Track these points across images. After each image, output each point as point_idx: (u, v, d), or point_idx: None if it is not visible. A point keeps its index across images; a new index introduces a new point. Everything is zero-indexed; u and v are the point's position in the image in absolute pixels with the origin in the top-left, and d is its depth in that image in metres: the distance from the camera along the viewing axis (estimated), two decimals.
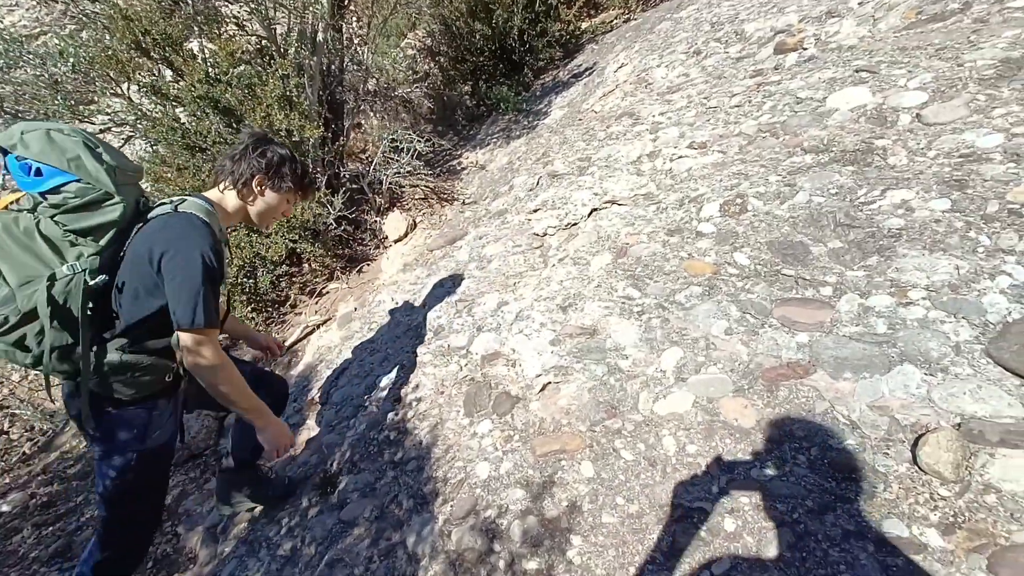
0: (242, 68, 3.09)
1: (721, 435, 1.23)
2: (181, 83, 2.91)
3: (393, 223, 3.64)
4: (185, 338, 1.12)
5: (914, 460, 1.00)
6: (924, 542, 0.91)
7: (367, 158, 4.61)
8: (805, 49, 2.35)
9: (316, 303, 3.39)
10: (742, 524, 1.06)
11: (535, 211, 2.58)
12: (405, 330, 2.38)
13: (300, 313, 3.41)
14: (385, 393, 2.03)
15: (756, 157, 1.94)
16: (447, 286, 2.48)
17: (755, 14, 2.90)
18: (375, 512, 1.57)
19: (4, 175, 1.08)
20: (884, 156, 1.61)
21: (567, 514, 1.25)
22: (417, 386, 2.00)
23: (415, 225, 3.65)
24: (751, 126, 2.11)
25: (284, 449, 1.34)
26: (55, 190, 1.04)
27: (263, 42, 3.54)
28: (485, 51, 5.52)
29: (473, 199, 3.51)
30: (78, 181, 1.05)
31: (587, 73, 4.38)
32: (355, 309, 2.97)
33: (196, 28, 3.04)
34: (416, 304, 2.56)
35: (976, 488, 0.93)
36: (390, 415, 1.93)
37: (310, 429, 2.16)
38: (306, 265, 3.64)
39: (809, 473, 1.07)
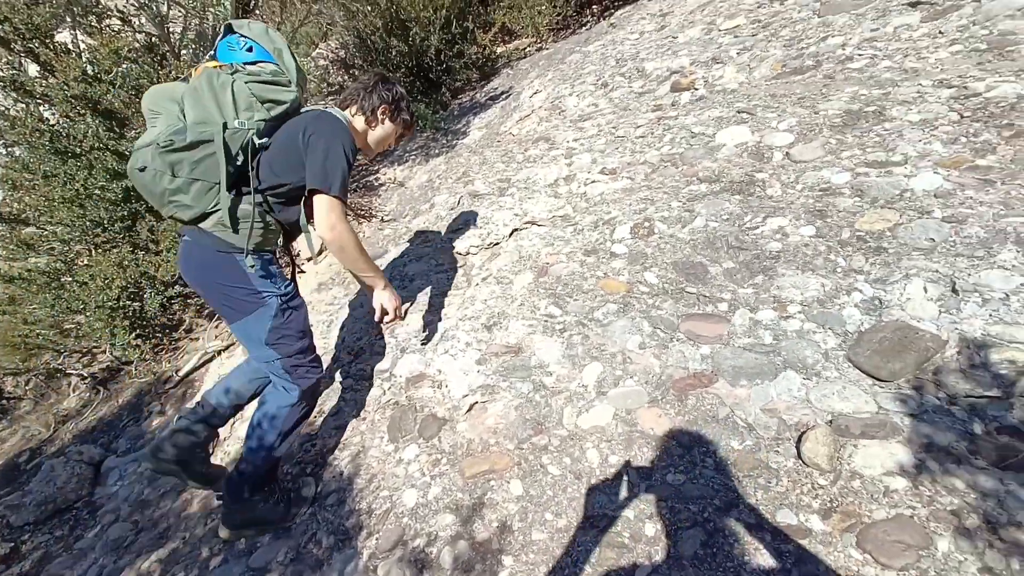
0: (126, 66, 2.78)
1: (639, 444, 1.32)
2: (51, 80, 2.55)
3: (307, 240, 3.45)
4: (324, 202, 1.31)
5: (799, 455, 1.15)
6: (809, 527, 1.04)
7: None
8: (696, 89, 2.64)
9: (217, 326, 3.10)
10: (661, 528, 1.14)
11: (456, 230, 2.60)
12: (321, 354, 2.26)
13: (197, 338, 3.10)
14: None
15: (660, 184, 2.13)
16: (367, 306, 2.40)
17: (653, 54, 3.21)
18: (290, 554, 1.46)
19: (211, 54, 1.37)
20: (763, 188, 1.85)
21: (498, 535, 1.25)
22: (337, 413, 1.90)
23: None
24: (655, 155, 2.31)
25: (396, 311, 1.55)
26: (257, 63, 1.35)
27: (153, 39, 3.22)
28: (402, 67, 5.47)
29: (392, 216, 3.44)
30: (275, 65, 1.36)
31: (504, 96, 4.52)
32: None
33: (70, 19, 2.70)
34: (334, 325, 2.45)
35: (846, 475, 1.09)
36: (306, 446, 1.81)
37: None
38: None
39: (716, 474, 1.19)
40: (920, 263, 1.39)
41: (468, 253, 2.39)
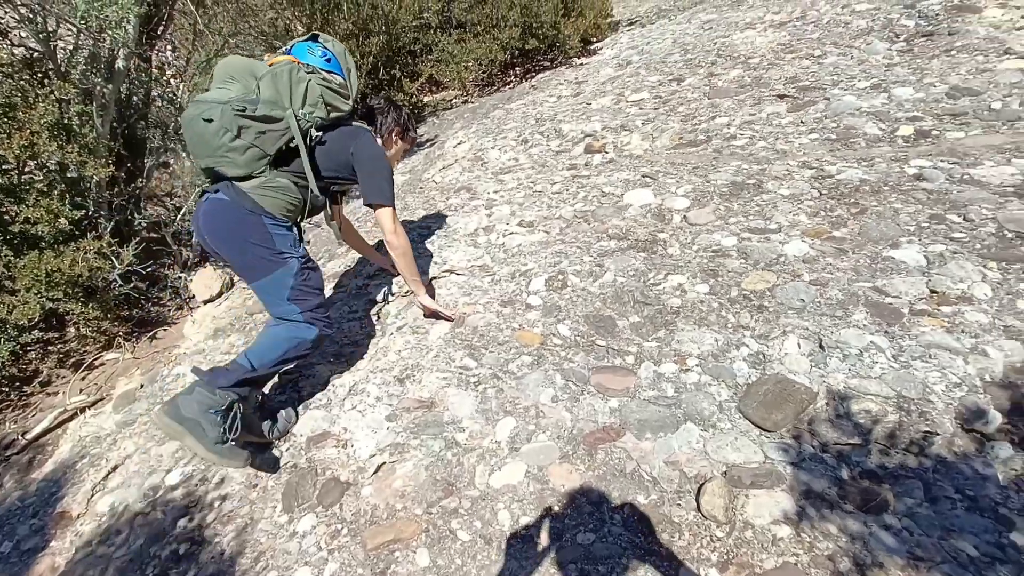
0: None
1: (551, 503, 1.30)
2: None
3: (204, 280, 3.16)
4: (388, 214, 1.65)
5: (698, 508, 1.19)
6: None
7: (175, 204, 3.99)
8: (607, 153, 2.86)
9: (83, 378, 2.68)
10: None
11: (371, 276, 2.52)
12: None
13: (55, 392, 2.66)
14: (176, 494, 1.67)
15: (574, 239, 2.23)
16: None
17: (569, 117, 3.45)
18: None
19: (286, 49, 1.59)
20: (665, 247, 2.01)
21: None
22: (222, 480, 1.69)
23: (232, 283, 3.23)
24: (569, 211, 2.44)
25: (440, 311, 1.87)
26: (331, 73, 1.57)
27: (34, 54, 2.90)
28: None
29: None
30: (344, 79, 1.61)
31: (428, 144, 4.59)
32: (141, 386, 2.43)
33: None
34: None
35: (739, 526, 1.14)
36: (181, 522, 1.58)
37: (57, 553, 1.64)
38: (72, 330, 2.90)
39: (624, 531, 1.19)
40: (794, 321, 1.56)
41: (384, 300, 2.32)
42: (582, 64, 4.75)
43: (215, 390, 1.44)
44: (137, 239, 3.06)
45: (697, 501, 1.21)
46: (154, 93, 3.64)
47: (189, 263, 3.42)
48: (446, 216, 2.80)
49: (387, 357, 1.92)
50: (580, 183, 2.66)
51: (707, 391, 1.45)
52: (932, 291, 1.54)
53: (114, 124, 3.15)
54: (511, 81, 5.75)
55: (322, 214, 1.84)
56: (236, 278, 3.31)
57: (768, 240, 1.88)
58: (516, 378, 1.66)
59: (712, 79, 3.23)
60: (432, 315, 1.88)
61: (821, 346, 1.46)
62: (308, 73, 1.52)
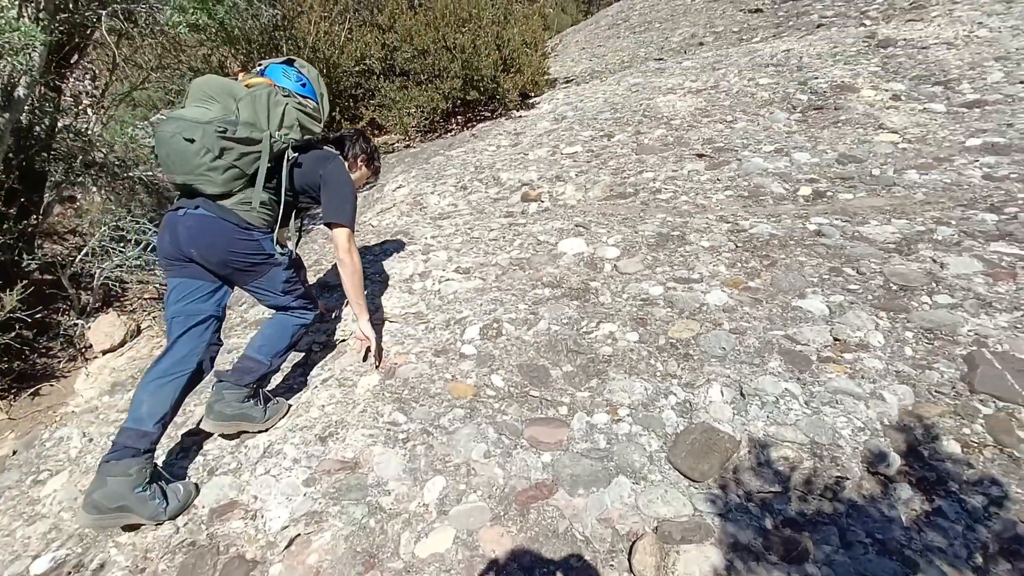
0: None
1: (481, 571, 1.22)
2: None
3: (104, 328, 2.85)
4: (344, 233, 1.71)
5: (630, 568, 1.16)
6: None
7: (77, 242, 3.63)
8: (543, 202, 2.95)
9: None
10: None
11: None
12: None
13: None
14: None
15: (509, 286, 2.24)
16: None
17: (508, 166, 3.55)
18: None
19: (260, 70, 1.69)
20: (596, 295, 2.06)
21: None
22: (102, 566, 1.46)
23: (139, 331, 2.93)
24: (505, 258, 2.45)
25: (372, 341, 1.85)
26: (305, 97, 1.68)
27: None
28: None
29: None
30: (317, 103, 1.72)
31: (367, 187, 4.54)
32: (13, 452, 2.10)
33: None
34: None
35: None
36: None
37: None
38: None
39: None
40: (717, 369, 1.62)
41: (310, 350, 2.18)
42: (521, 116, 4.96)
43: (128, 469, 1.41)
44: (25, 281, 2.73)
45: (629, 561, 1.18)
46: (61, 124, 3.36)
47: (88, 308, 3.08)
48: (381, 261, 2.73)
49: (309, 413, 1.79)
50: (516, 230, 2.70)
51: (638, 442, 1.45)
52: (835, 339, 1.66)
53: (9, 155, 2.86)
54: (453, 129, 5.89)
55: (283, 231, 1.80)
56: (145, 324, 3.02)
57: (691, 290, 1.98)
58: (447, 433, 1.59)
59: (639, 137, 3.47)
60: (363, 345, 1.88)
61: (742, 394, 1.52)
62: (285, 97, 1.60)
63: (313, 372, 2.04)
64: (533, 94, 5.79)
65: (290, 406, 1.85)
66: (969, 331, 1.60)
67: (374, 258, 2.79)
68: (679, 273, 2.09)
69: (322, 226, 3.91)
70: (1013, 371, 1.45)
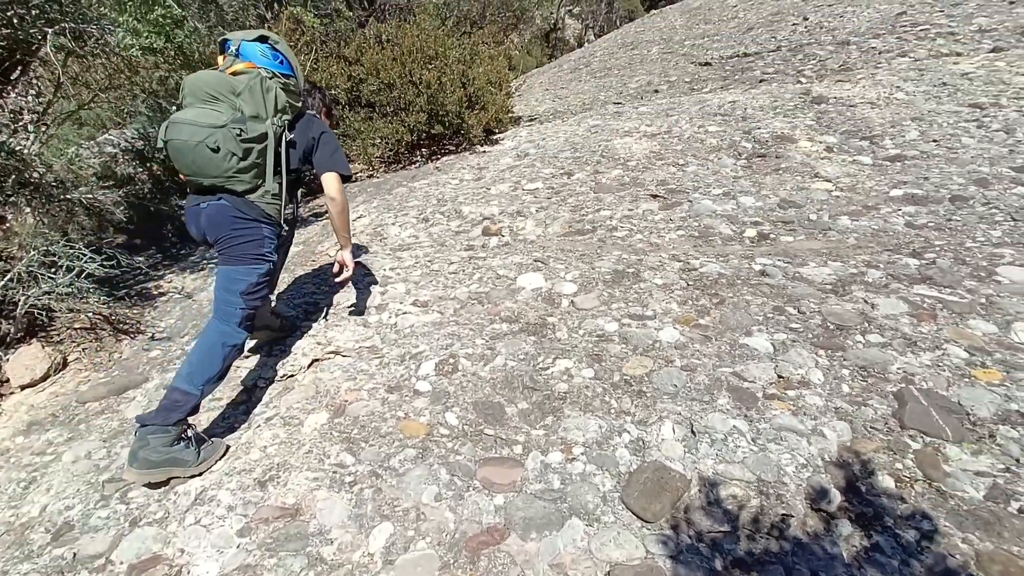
0: None
1: None
2: None
3: (24, 361, 2.61)
4: (336, 179, 1.84)
5: None
6: None
7: (1, 268, 3.36)
8: (503, 236, 2.98)
9: None
10: None
11: (246, 357, 2.26)
12: (14, 525, 1.58)
13: None
14: None
15: (467, 320, 2.22)
16: (95, 458, 1.84)
17: (470, 200, 3.59)
18: None
19: (234, 51, 1.71)
20: (553, 331, 2.07)
21: None
22: None
23: (65, 364, 2.71)
24: (464, 292, 2.45)
25: (350, 268, 1.97)
26: (286, 76, 1.76)
27: None
28: None
29: (168, 334, 2.88)
30: (295, 77, 1.81)
31: (327, 215, 4.47)
32: None
33: None
34: (34, 487, 1.78)
35: None
36: None
37: None
38: None
39: None
40: (669, 406, 1.65)
41: (255, 386, 2.07)
42: (485, 152, 5.06)
43: (168, 427, 1.54)
44: None
45: None
46: None
47: (8, 338, 2.82)
48: (336, 292, 2.66)
49: (249, 455, 1.68)
50: (476, 264, 2.71)
51: (592, 481, 1.44)
52: (779, 376, 1.73)
53: None
54: (417, 161, 5.93)
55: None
56: (72, 357, 2.80)
57: (645, 326, 2.02)
58: (397, 475, 1.53)
59: (597, 176, 3.60)
60: (340, 270, 1.99)
61: (693, 431, 1.54)
62: (271, 80, 1.69)
63: (256, 410, 1.93)
64: (497, 131, 5.94)
65: (228, 447, 1.73)
66: (898, 369, 1.70)
67: (329, 289, 2.72)
68: (634, 310, 2.13)
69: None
70: (937, 407, 1.54)
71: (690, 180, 3.33)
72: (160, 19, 2.46)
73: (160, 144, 1.59)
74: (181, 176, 1.69)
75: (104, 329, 3.00)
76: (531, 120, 6.62)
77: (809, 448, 1.46)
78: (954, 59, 4.78)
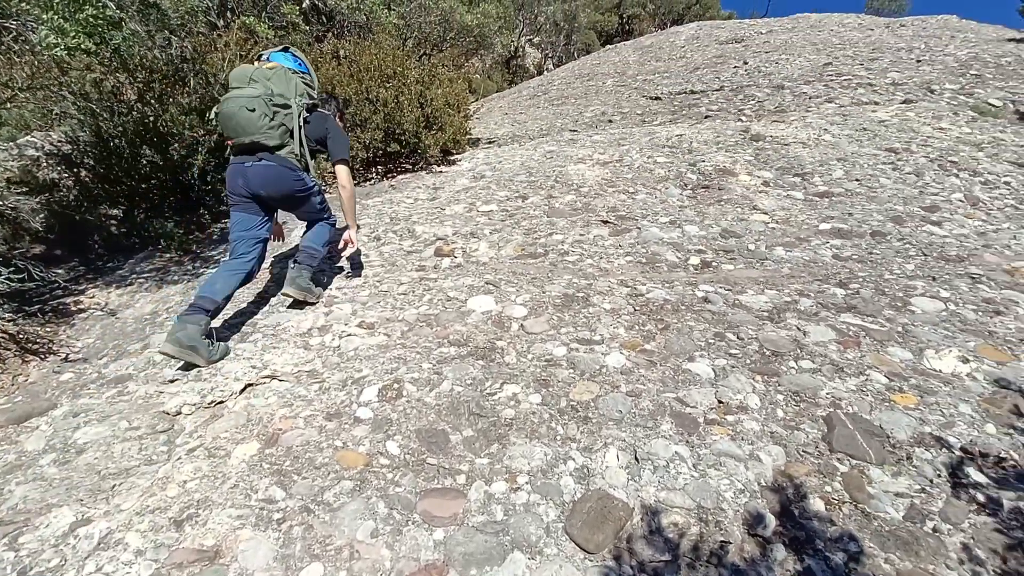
0: None
1: None
2: None
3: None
4: (345, 171, 2.45)
5: None
6: None
7: None
8: (456, 257, 2.95)
9: None
10: None
11: (172, 381, 2.10)
12: None
13: None
14: None
15: (414, 344, 2.16)
16: None
17: (424, 219, 3.55)
18: None
19: (266, 56, 2.42)
20: (502, 355, 2.05)
21: None
22: None
23: None
24: (412, 314, 2.39)
25: (355, 245, 2.59)
26: (304, 73, 2.43)
27: None
28: (152, 179, 4.81)
29: (84, 355, 2.63)
30: (311, 76, 2.48)
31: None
32: None
33: None
34: None
35: None
36: None
37: None
38: None
39: None
40: (614, 432, 1.65)
41: (179, 413, 1.91)
42: (441, 172, 5.05)
43: (200, 322, 2.10)
44: None
45: None
46: None
47: None
48: (278, 312, 2.53)
49: (166, 491, 1.53)
50: (427, 285, 2.66)
51: (535, 511, 1.41)
52: (719, 401, 1.78)
53: None
54: (372, 178, 5.83)
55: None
56: None
57: (593, 351, 2.04)
58: (331, 510, 1.43)
59: (551, 200, 3.66)
60: (345, 246, 2.58)
61: (636, 458, 1.55)
62: (293, 74, 2.36)
63: (179, 440, 1.78)
64: (455, 151, 5.96)
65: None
66: (827, 394, 1.79)
67: (269, 308, 2.59)
68: (582, 334, 2.15)
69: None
70: (861, 431, 1.63)
71: (639, 207, 3.44)
72: (91, 19, 2.30)
73: (213, 115, 2.25)
74: (228, 141, 2.31)
75: (8, 349, 2.71)
76: (489, 143, 6.69)
77: (746, 473, 1.50)
78: (872, 107, 5.27)
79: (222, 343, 2.21)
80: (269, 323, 2.43)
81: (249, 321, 2.49)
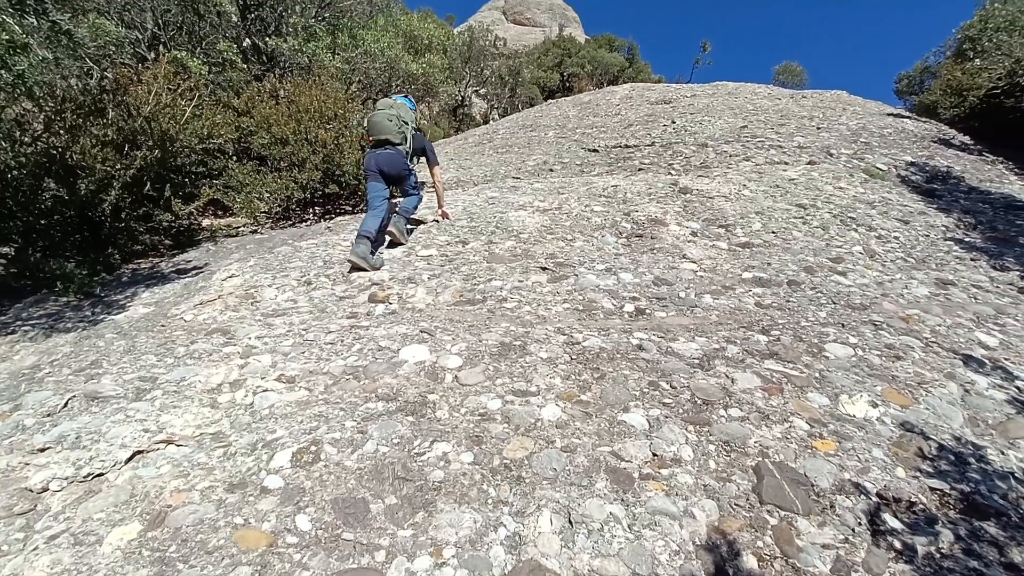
0: None
1: None
2: None
3: None
4: (438, 168, 4.18)
5: None
6: None
7: None
8: (391, 303, 2.84)
9: None
10: None
11: (42, 450, 1.80)
12: None
13: None
14: None
15: (338, 399, 2.00)
16: None
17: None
18: None
19: (395, 97, 4.01)
20: (433, 410, 1.94)
21: None
22: None
23: None
24: (339, 366, 2.23)
25: (449, 218, 4.32)
26: (414, 110, 4.05)
27: None
28: (55, 214, 4.37)
29: None
30: (415, 112, 4.14)
31: (194, 272, 3.98)
32: None
33: None
34: None
35: None
36: None
37: None
38: None
39: None
40: (548, 493, 1.57)
41: (46, 490, 1.62)
42: None
43: (367, 244, 3.37)
44: None
45: None
46: None
47: None
48: (184, 365, 2.28)
49: None
50: (358, 334, 2.52)
51: None
52: (654, 454, 1.75)
53: None
54: (309, 219, 5.63)
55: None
56: None
57: (528, 403, 1.97)
58: None
59: (491, 246, 3.66)
60: (443, 216, 4.32)
61: (570, 521, 1.47)
62: (409, 109, 3.85)
63: (39, 524, 1.49)
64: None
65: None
66: (755, 443, 1.81)
67: (174, 361, 2.33)
68: (518, 385, 2.08)
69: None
70: (788, 480, 1.65)
71: (577, 254, 3.51)
72: None
73: (363, 123, 4.36)
74: (369, 139, 3.84)
75: None
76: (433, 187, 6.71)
77: (681, 532, 1.46)
78: (783, 167, 5.82)
79: (380, 256, 3.52)
80: (172, 378, 2.18)
81: (148, 376, 2.22)
